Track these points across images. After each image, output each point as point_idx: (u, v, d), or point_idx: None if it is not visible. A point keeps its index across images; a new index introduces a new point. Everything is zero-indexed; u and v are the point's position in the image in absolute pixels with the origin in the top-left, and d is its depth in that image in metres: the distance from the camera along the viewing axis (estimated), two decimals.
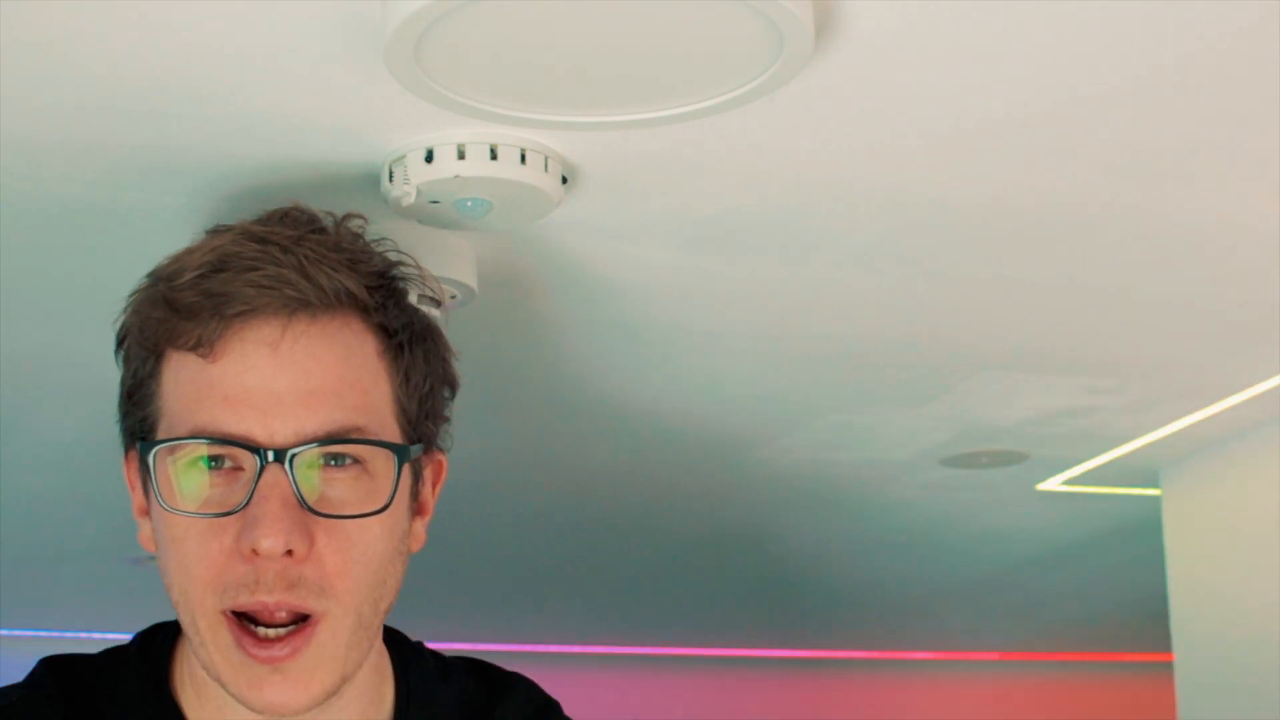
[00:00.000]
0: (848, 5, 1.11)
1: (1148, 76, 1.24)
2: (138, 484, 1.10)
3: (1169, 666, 2.50)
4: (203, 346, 1.05)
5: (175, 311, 1.06)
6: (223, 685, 1.06)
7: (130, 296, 1.10)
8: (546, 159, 1.32)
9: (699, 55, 1.13)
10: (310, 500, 1.04)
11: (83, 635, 3.37)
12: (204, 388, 1.05)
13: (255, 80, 1.20)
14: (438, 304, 1.50)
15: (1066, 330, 1.84)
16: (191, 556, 1.05)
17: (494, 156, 1.29)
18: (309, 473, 1.05)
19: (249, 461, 1.04)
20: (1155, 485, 2.50)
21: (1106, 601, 3.57)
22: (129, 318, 1.10)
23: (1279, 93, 1.27)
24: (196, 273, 1.06)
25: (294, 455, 1.04)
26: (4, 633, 3.43)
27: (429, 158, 1.30)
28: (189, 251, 1.08)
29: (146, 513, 1.10)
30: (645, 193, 1.42)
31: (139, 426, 1.08)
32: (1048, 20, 1.15)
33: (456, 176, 1.29)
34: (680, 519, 2.74)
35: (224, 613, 1.05)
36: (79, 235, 1.49)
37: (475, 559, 2.91)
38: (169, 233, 1.44)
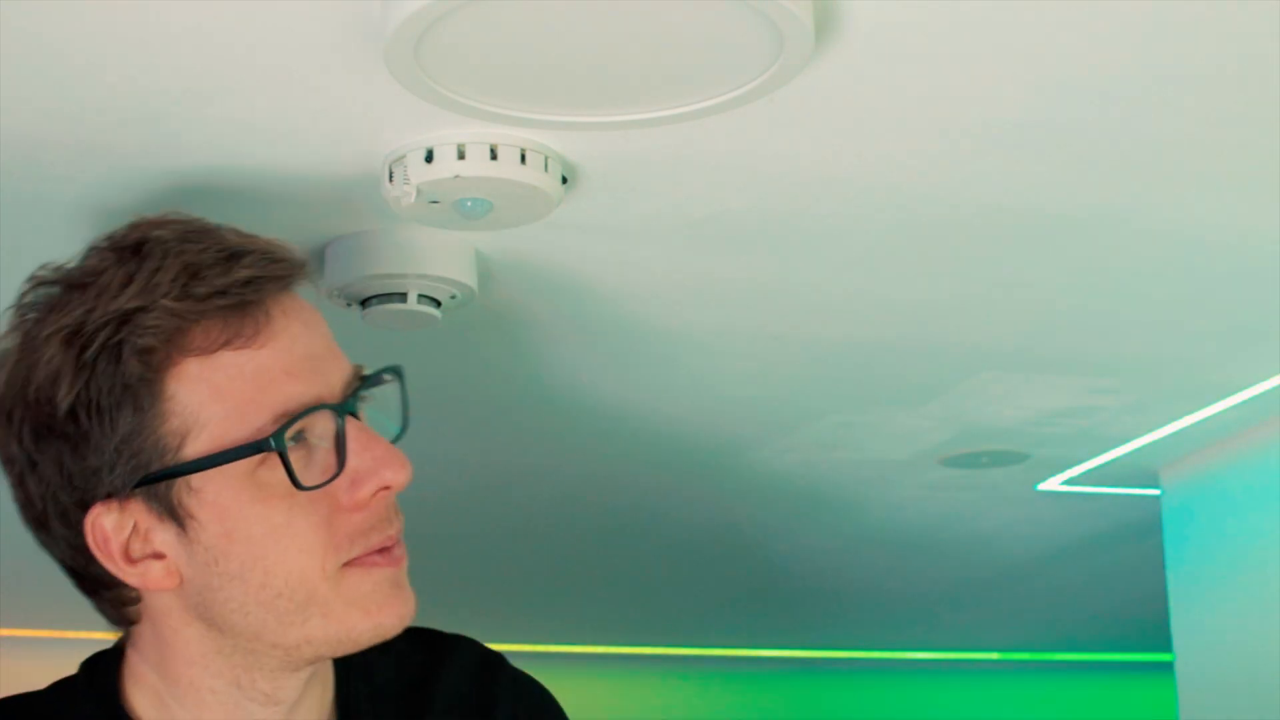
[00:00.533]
0: (848, 5, 1.11)
1: (1148, 76, 1.24)
2: (136, 524, 1.07)
3: (1169, 666, 2.50)
4: (241, 339, 1.05)
5: (201, 317, 1.05)
6: (337, 633, 1.08)
7: (60, 352, 1.05)
8: (546, 159, 1.31)
9: (699, 55, 1.13)
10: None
11: (83, 635, 3.37)
12: (259, 374, 1.05)
13: (255, 80, 1.20)
14: (437, 304, 1.51)
15: (1066, 330, 1.84)
16: (308, 530, 1.06)
17: (494, 156, 1.29)
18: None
19: (320, 422, 1.07)
20: (1155, 485, 2.50)
21: (1106, 601, 3.57)
22: (99, 356, 1.05)
23: (1279, 93, 1.27)
24: (183, 281, 1.05)
25: (354, 398, 1.08)
26: (4, 633, 3.43)
27: (429, 158, 1.30)
28: (153, 272, 1.06)
29: (156, 555, 1.08)
30: (645, 193, 1.42)
31: (157, 452, 1.05)
32: (1048, 20, 1.15)
33: (456, 176, 1.29)
34: (680, 519, 2.74)
35: (346, 564, 1.07)
36: (79, 236, 1.48)
37: (474, 559, 2.91)
38: None
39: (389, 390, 1.13)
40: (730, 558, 3.05)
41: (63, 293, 1.08)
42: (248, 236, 1.09)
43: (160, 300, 1.04)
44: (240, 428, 1.04)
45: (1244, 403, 2.10)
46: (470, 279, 1.50)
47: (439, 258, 1.48)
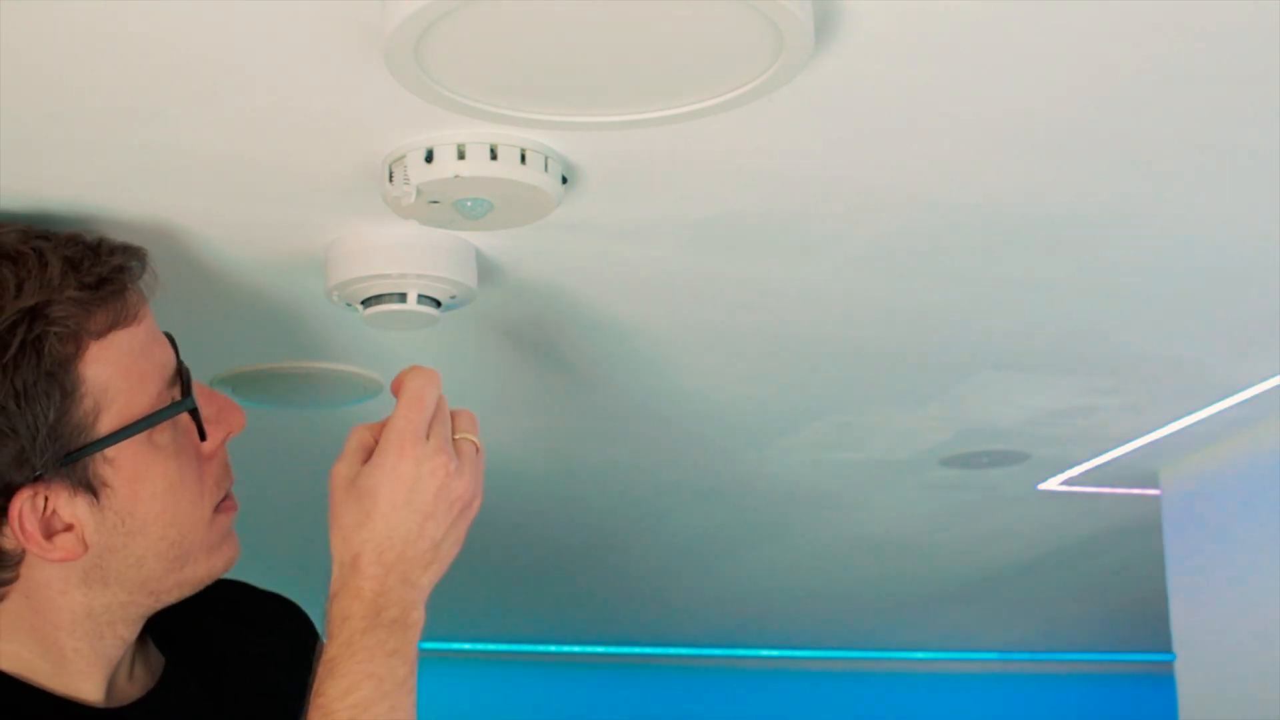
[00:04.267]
0: (848, 5, 1.11)
1: (1149, 76, 1.24)
2: (48, 499, 1.15)
3: (1169, 666, 2.50)
4: (124, 319, 1.17)
5: (95, 304, 1.15)
6: (198, 574, 1.22)
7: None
8: (546, 159, 1.31)
9: (699, 55, 1.13)
10: None
11: None
12: (142, 348, 1.18)
13: (255, 80, 1.20)
14: (437, 304, 1.51)
15: (1066, 330, 1.84)
16: (194, 483, 1.20)
17: (494, 156, 1.29)
18: None
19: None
20: (1155, 485, 2.50)
21: (1106, 601, 3.57)
22: (20, 352, 1.13)
23: (1279, 93, 1.27)
24: (70, 274, 1.15)
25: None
26: None
27: (429, 158, 1.29)
28: (41, 268, 1.16)
29: (67, 528, 1.16)
30: (645, 193, 1.42)
31: (77, 431, 1.14)
32: (1049, 20, 1.15)
33: (456, 176, 1.29)
34: (679, 519, 2.74)
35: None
36: None
37: (474, 558, 2.91)
38: (168, 234, 1.44)
39: None
40: (729, 557, 3.06)
41: None
42: (68, 233, 1.21)
43: (62, 293, 1.14)
44: (141, 398, 1.16)
45: (1244, 403, 2.10)
46: (470, 279, 1.50)
47: (439, 258, 1.48)
